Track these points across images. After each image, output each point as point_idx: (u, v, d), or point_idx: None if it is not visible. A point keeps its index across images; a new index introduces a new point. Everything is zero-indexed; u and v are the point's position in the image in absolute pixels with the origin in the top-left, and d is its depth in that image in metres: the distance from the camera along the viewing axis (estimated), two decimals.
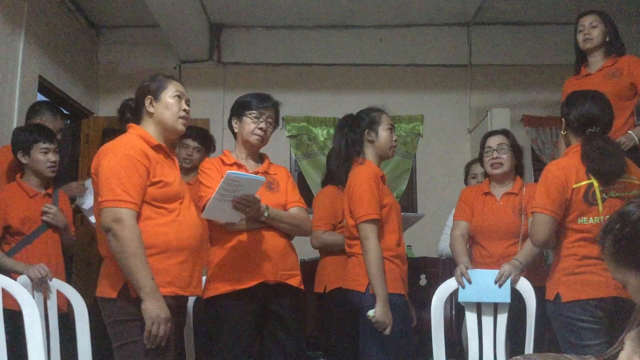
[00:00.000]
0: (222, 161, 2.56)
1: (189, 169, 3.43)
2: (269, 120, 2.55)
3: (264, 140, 2.56)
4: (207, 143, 3.57)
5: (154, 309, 1.97)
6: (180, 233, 2.13)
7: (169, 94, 2.24)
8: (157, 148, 2.20)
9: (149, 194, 2.09)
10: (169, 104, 2.24)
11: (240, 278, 2.39)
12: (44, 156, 2.95)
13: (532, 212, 2.40)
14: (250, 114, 2.53)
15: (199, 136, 3.52)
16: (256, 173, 2.51)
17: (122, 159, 2.06)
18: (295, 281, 2.50)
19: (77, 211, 3.49)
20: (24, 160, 2.95)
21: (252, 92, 2.63)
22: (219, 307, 2.41)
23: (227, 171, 2.21)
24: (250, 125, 2.52)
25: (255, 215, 2.37)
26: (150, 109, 2.23)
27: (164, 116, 2.23)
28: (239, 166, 2.53)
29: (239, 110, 2.58)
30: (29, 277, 2.65)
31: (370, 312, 2.40)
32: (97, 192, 2.09)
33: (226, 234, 2.44)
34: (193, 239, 2.18)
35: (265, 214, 2.39)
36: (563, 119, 2.49)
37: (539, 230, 2.36)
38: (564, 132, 2.51)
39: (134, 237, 1.99)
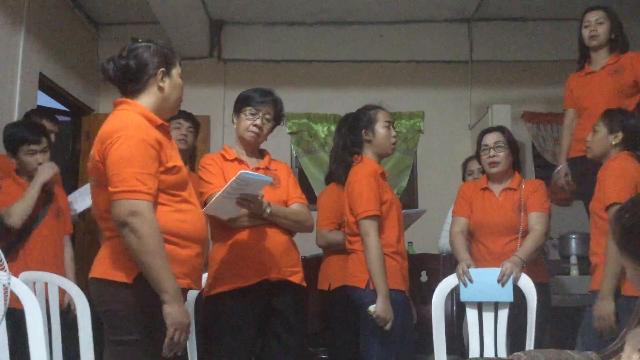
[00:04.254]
0: (223, 157, 2.54)
1: (184, 151, 3.33)
2: (266, 116, 2.51)
3: (259, 136, 2.53)
4: (197, 125, 3.53)
5: (178, 315, 1.79)
6: (197, 223, 1.97)
7: (177, 72, 2.04)
8: (160, 128, 1.97)
9: (163, 182, 1.89)
10: (177, 85, 2.03)
11: (243, 275, 2.38)
12: (31, 157, 2.85)
13: (610, 206, 2.44)
14: (246, 110, 2.51)
15: (190, 117, 3.47)
16: (257, 169, 2.50)
17: (134, 144, 1.83)
18: (298, 278, 2.49)
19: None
20: (12, 160, 2.90)
21: (253, 88, 2.60)
22: (222, 305, 2.40)
23: (240, 171, 2.18)
24: (246, 121, 2.50)
25: (257, 211, 2.36)
26: (162, 83, 1.98)
27: (172, 97, 2.02)
28: (240, 162, 2.52)
29: (237, 105, 2.56)
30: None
31: (371, 307, 2.41)
32: (104, 181, 1.86)
33: (228, 230, 2.43)
34: (205, 231, 2.05)
35: (268, 211, 2.38)
36: (620, 130, 2.59)
37: None
38: (614, 141, 2.59)
39: (155, 233, 1.79)
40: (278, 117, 2.58)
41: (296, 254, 2.55)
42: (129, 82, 1.97)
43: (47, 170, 2.71)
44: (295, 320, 2.46)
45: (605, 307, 2.41)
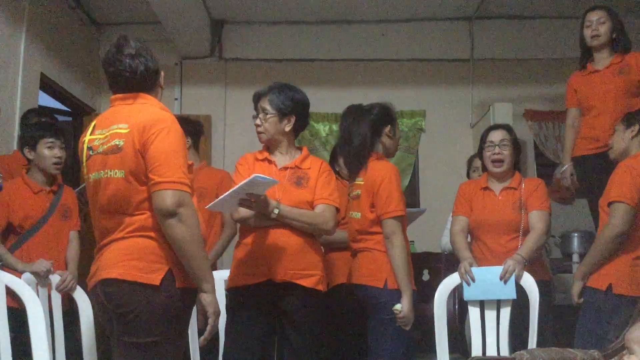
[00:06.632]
0: (255, 157, 2.57)
1: None
2: (261, 114, 2.49)
3: (265, 134, 2.50)
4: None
5: (217, 304, 1.85)
6: (202, 222, 1.95)
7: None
8: None
9: None
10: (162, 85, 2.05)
11: (252, 273, 2.41)
12: (50, 151, 2.94)
13: (611, 202, 2.45)
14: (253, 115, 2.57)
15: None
16: (285, 168, 2.50)
17: (179, 136, 1.83)
18: (310, 282, 2.40)
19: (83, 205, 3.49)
20: (29, 155, 2.96)
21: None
22: (233, 300, 2.47)
23: (254, 174, 2.20)
24: (255, 125, 2.55)
25: (263, 212, 2.35)
26: (162, 82, 2.01)
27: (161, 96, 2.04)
28: (269, 162, 2.53)
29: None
30: (35, 273, 2.67)
31: (398, 306, 2.38)
32: (138, 172, 1.81)
33: (247, 230, 2.47)
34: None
35: (275, 212, 2.34)
36: (637, 123, 2.60)
37: (621, 221, 2.43)
38: (631, 135, 2.61)
39: (199, 224, 1.82)
40: (282, 107, 2.47)
41: (312, 257, 2.45)
42: (148, 79, 1.94)
43: (42, 266, 2.73)
44: (304, 322, 2.42)
45: (573, 289, 2.60)
